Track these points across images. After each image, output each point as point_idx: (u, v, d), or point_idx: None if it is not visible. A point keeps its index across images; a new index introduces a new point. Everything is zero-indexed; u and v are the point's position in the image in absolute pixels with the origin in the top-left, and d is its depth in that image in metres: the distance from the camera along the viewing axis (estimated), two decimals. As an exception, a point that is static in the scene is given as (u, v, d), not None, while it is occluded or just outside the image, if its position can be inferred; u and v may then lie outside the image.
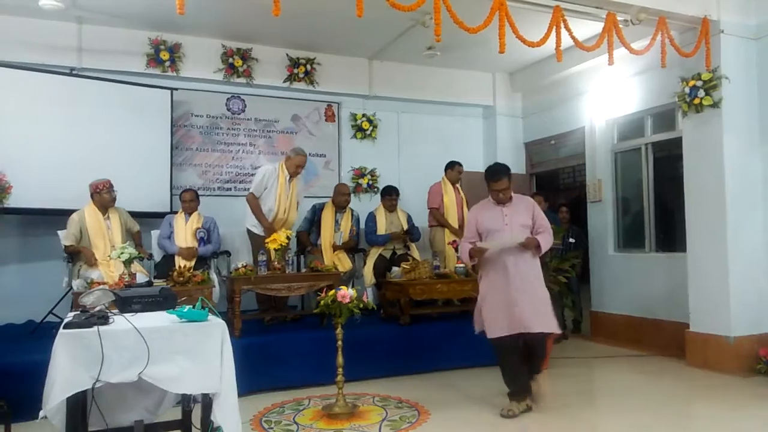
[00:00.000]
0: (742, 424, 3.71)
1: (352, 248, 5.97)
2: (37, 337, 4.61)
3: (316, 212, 5.89)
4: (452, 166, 6.16)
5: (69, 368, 2.24)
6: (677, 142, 5.54)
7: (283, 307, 5.55)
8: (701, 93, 5.01)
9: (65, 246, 4.89)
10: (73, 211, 4.96)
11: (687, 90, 5.13)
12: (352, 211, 6.05)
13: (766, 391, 4.35)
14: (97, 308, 2.65)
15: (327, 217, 5.83)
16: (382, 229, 5.94)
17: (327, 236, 5.74)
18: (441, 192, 6.06)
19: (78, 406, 2.38)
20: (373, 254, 5.87)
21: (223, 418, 2.45)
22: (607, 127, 6.70)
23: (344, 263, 5.64)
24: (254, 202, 5.26)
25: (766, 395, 4.25)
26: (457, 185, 6.18)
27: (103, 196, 4.96)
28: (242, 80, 6.41)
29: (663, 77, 5.57)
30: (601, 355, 5.82)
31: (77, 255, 4.86)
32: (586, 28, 5.12)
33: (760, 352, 4.75)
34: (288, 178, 5.30)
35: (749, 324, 4.90)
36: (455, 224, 5.96)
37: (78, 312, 2.64)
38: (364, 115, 7.20)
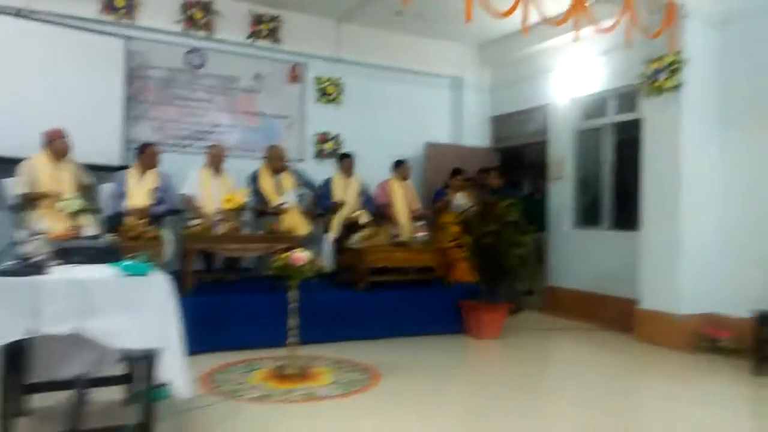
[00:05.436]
0: (686, 397, 3.82)
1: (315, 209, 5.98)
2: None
3: (254, 181, 5.69)
4: (398, 165, 6.38)
5: (1, 317, 2.13)
6: (639, 124, 5.60)
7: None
8: (662, 76, 5.06)
9: (22, 194, 4.59)
10: (18, 159, 4.69)
11: (649, 72, 5.17)
12: (288, 167, 5.94)
13: (710, 366, 4.50)
14: (37, 258, 2.51)
15: (266, 183, 5.66)
16: (338, 194, 6.01)
17: (274, 201, 5.57)
18: (387, 189, 6.24)
19: (15, 357, 2.29)
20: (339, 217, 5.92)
21: (168, 374, 2.39)
22: (572, 106, 6.72)
23: (302, 227, 5.54)
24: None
25: (708, 370, 4.40)
26: (408, 182, 6.37)
27: (57, 145, 4.71)
28: (202, 33, 6.15)
29: (629, 58, 5.59)
30: (554, 327, 5.94)
31: (30, 203, 4.58)
32: (556, 4, 5.06)
33: (706, 330, 4.92)
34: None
35: (697, 303, 5.04)
36: (404, 219, 6.08)
37: (15, 261, 2.50)
38: (329, 79, 7.03)
